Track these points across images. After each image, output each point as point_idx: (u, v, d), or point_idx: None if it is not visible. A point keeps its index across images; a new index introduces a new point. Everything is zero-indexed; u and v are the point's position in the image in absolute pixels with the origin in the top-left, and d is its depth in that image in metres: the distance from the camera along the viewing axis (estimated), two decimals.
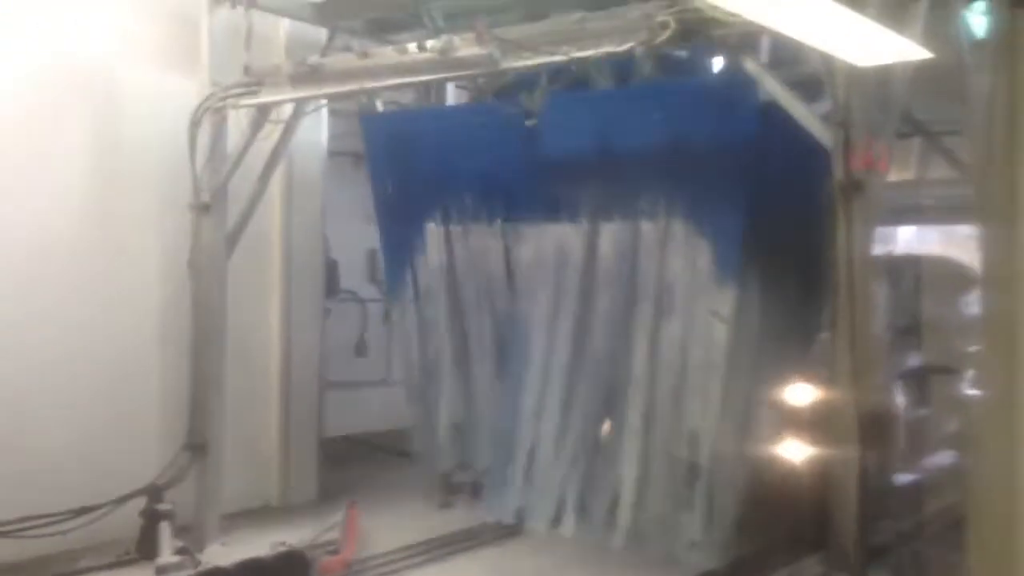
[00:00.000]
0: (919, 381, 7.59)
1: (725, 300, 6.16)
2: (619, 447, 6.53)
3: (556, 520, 6.83)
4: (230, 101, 6.94)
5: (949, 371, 7.71)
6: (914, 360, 7.62)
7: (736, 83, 5.62)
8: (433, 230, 7.75)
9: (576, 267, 6.83)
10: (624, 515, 6.44)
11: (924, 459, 7.37)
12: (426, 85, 7.62)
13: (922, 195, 7.83)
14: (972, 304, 8.56)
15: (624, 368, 6.55)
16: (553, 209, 6.97)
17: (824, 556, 5.96)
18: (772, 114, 5.22)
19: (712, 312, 6.17)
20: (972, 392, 7.87)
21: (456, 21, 6.35)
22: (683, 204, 6.32)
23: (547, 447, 6.90)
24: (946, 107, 7.06)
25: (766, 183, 6.05)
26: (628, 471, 6.47)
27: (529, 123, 6.98)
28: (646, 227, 6.50)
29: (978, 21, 5.09)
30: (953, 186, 7.72)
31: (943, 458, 7.52)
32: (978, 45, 4.88)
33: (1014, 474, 3.36)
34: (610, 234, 6.68)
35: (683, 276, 6.32)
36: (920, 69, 4.95)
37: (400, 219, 7.91)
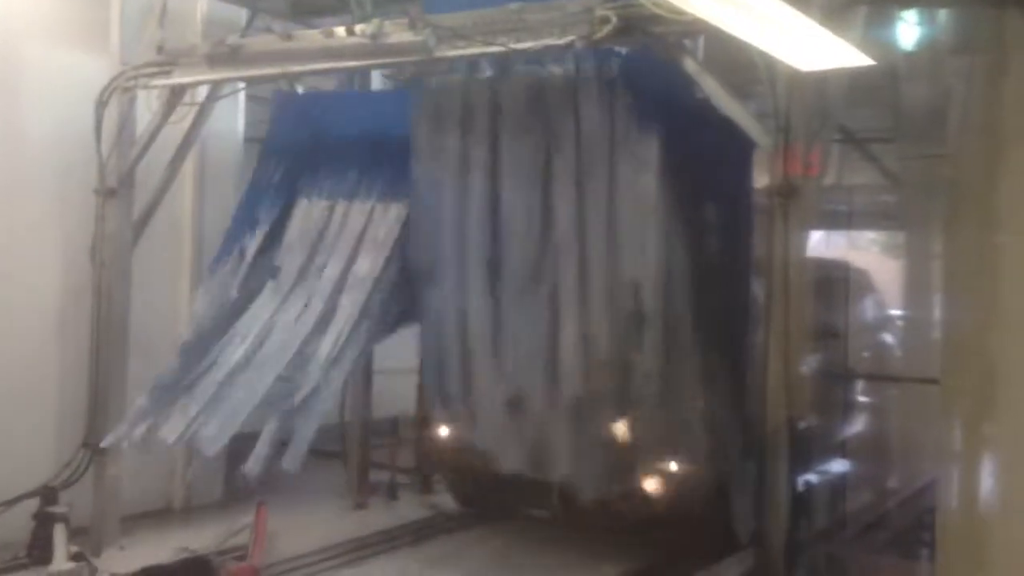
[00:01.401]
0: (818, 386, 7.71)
1: (648, 148, 5.87)
2: (553, 308, 6.19)
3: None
4: (141, 81, 6.66)
5: (847, 374, 7.82)
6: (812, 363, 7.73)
7: None
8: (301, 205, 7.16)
9: (483, 121, 6.33)
10: (569, 364, 6.13)
11: (819, 464, 7.47)
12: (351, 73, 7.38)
13: (841, 200, 7.98)
14: (868, 309, 8.79)
15: (548, 229, 6.18)
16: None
17: (743, 557, 6.05)
18: None
19: (635, 162, 5.91)
20: (863, 398, 8.06)
21: (385, 9, 6.16)
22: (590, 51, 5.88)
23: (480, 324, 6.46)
24: (871, 114, 7.27)
25: None
26: (567, 330, 6.14)
27: None
28: (554, 72, 6.11)
29: (910, 31, 5.18)
30: (872, 192, 7.97)
31: (838, 464, 7.63)
32: (911, 55, 4.98)
33: (982, 488, 3.39)
34: (512, 85, 6.26)
35: (600, 122, 5.99)
36: (851, 76, 5.00)
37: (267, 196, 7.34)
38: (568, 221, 6.11)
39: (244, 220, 7.24)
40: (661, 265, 5.94)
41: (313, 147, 7.16)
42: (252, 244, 7.08)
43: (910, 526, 6.94)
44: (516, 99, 6.21)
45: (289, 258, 6.97)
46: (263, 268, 7.02)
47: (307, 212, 7.04)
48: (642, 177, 5.91)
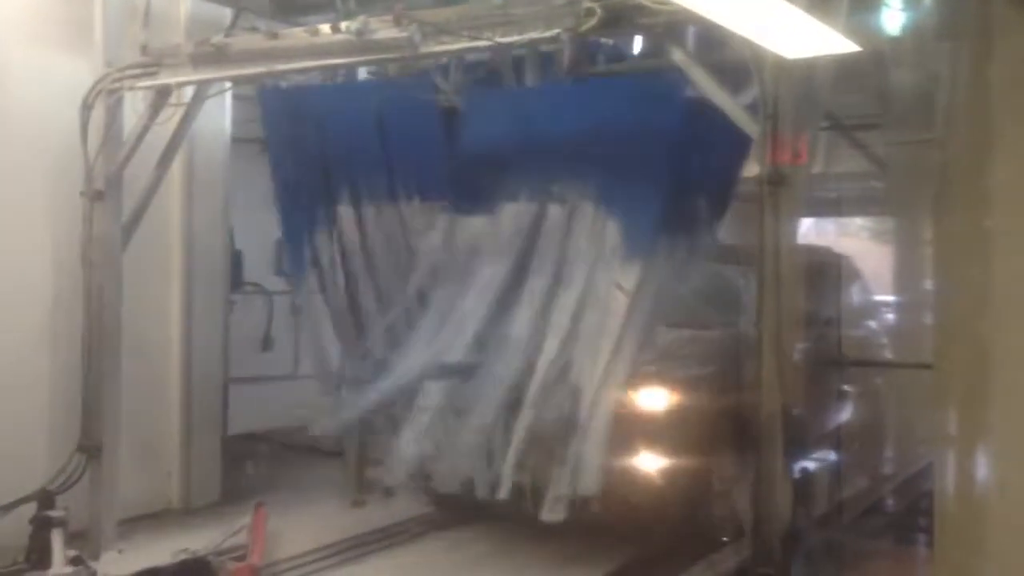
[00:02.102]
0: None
1: (629, 273, 6.01)
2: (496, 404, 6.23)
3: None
4: (126, 82, 6.61)
5: (840, 361, 7.79)
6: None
7: (665, 78, 5.58)
8: (344, 212, 7.29)
9: (486, 257, 6.61)
10: (506, 473, 6.07)
11: (815, 451, 7.46)
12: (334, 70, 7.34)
13: (830, 188, 7.99)
14: (852, 296, 8.77)
15: (511, 333, 6.32)
16: (468, 196, 6.78)
17: (737, 548, 6.06)
18: (696, 106, 5.19)
19: (616, 284, 6.03)
20: (847, 387, 8.04)
21: (370, 5, 6.14)
22: (597, 190, 6.21)
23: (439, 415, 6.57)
24: (858, 101, 7.26)
25: (686, 172, 6.01)
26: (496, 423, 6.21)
27: (445, 101, 6.78)
28: (553, 210, 6.35)
29: (895, 17, 5.17)
30: (861, 179, 7.96)
31: (833, 451, 7.61)
32: (897, 40, 4.98)
33: (978, 475, 3.39)
34: (511, 214, 6.50)
35: (586, 251, 6.19)
36: (837, 63, 5.00)
37: (303, 201, 7.46)
38: (527, 310, 6.24)
39: (300, 226, 7.36)
40: (610, 377, 5.92)
41: (322, 143, 7.16)
42: (325, 255, 7.24)
43: (907, 511, 6.95)
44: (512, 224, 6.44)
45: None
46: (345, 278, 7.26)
47: (349, 219, 7.19)
48: (615, 296, 5.99)
